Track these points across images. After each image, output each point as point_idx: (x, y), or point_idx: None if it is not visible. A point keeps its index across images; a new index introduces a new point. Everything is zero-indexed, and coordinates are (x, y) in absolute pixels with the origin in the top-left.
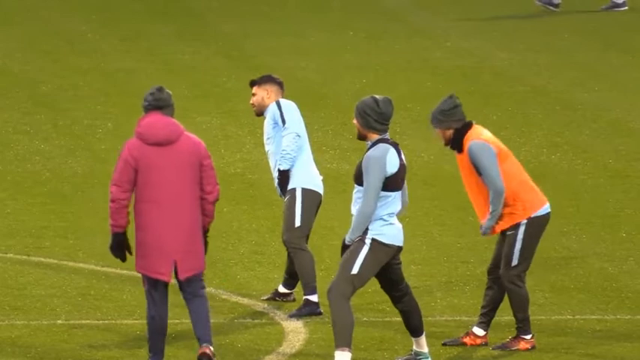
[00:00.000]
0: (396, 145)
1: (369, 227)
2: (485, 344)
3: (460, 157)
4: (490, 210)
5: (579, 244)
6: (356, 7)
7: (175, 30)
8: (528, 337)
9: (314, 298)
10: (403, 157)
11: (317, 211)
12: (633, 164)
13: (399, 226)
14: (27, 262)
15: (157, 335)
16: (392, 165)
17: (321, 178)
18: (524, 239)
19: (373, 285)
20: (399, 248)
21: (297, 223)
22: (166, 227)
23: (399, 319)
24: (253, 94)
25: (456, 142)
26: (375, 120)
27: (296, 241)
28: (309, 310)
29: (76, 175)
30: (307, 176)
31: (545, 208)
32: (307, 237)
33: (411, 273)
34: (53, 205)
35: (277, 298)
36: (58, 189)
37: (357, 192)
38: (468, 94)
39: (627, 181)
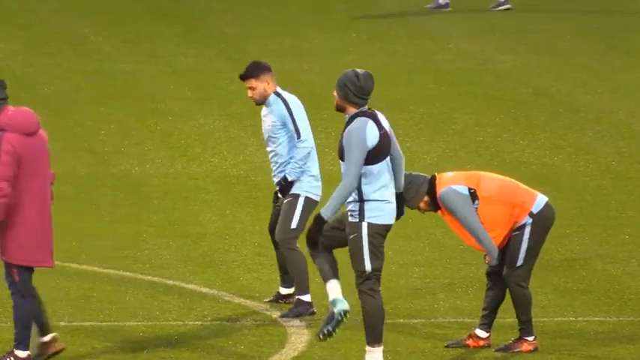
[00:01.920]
0: (374, 116)
1: (365, 211)
2: (488, 346)
3: (442, 213)
4: (484, 249)
5: (582, 245)
6: (358, 9)
7: (178, 32)
8: (531, 338)
9: (306, 297)
10: (385, 124)
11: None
12: (636, 166)
13: (392, 202)
14: None
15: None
16: (372, 138)
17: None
18: (530, 239)
19: None
20: (390, 227)
21: (294, 225)
22: (42, 216)
23: (402, 320)
24: (252, 88)
25: (436, 202)
26: (354, 94)
27: (290, 242)
28: (301, 310)
29: (79, 176)
30: (312, 183)
31: (540, 199)
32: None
33: (413, 274)
34: (55, 207)
35: (280, 301)
36: (61, 191)
37: (342, 165)
38: (470, 96)
39: (630, 182)
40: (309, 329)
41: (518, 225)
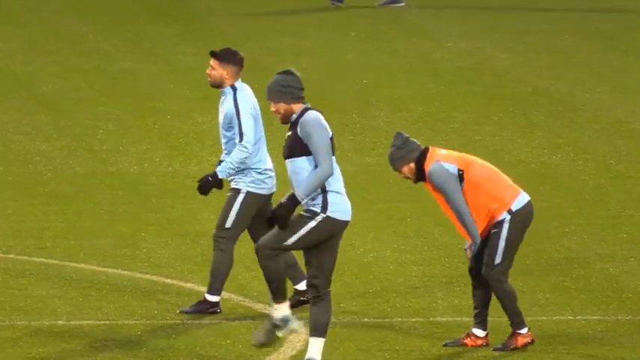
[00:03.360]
0: (322, 113)
1: (328, 203)
2: (487, 345)
3: (427, 185)
4: (466, 233)
5: (580, 244)
6: (357, 8)
7: (177, 31)
8: (524, 331)
9: (214, 298)
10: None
11: (262, 209)
12: (635, 165)
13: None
14: (28, 262)
15: None
16: (329, 128)
17: (273, 174)
18: (507, 237)
19: (373, 286)
20: (348, 224)
21: (228, 224)
22: None
23: (400, 319)
24: (212, 67)
25: (420, 172)
26: (298, 89)
27: (221, 241)
28: (202, 309)
29: (77, 175)
30: (256, 177)
31: (522, 198)
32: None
33: (412, 273)
34: (54, 206)
35: (302, 298)
36: (59, 190)
37: (291, 162)
38: (469, 95)
39: (629, 181)
40: (307, 328)
41: (495, 221)
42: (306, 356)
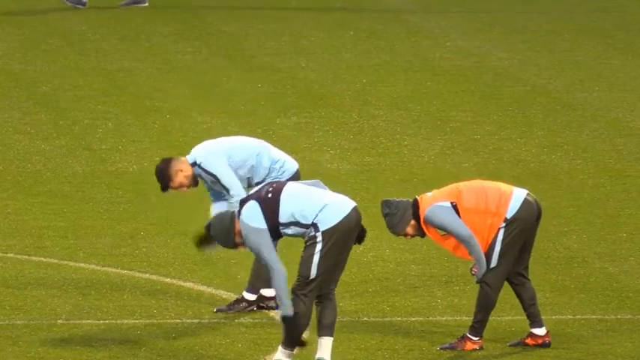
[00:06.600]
0: (252, 197)
1: (318, 224)
2: (549, 342)
3: (428, 233)
4: (473, 258)
5: (580, 243)
6: (356, 7)
7: (175, 30)
8: (476, 338)
9: (268, 293)
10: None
11: None
12: (634, 164)
13: (336, 199)
14: (27, 261)
15: None
16: (258, 222)
17: (288, 166)
18: (502, 241)
19: (373, 285)
20: (347, 221)
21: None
22: None
23: (400, 318)
24: (182, 185)
25: (420, 225)
26: (224, 232)
27: None
28: (265, 304)
29: (77, 174)
30: (276, 175)
31: (515, 201)
32: None
33: (411, 272)
34: (53, 205)
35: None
36: (59, 189)
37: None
38: (468, 93)
39: (628, 180)
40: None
41: (495, 232)
42: (317, 356)
